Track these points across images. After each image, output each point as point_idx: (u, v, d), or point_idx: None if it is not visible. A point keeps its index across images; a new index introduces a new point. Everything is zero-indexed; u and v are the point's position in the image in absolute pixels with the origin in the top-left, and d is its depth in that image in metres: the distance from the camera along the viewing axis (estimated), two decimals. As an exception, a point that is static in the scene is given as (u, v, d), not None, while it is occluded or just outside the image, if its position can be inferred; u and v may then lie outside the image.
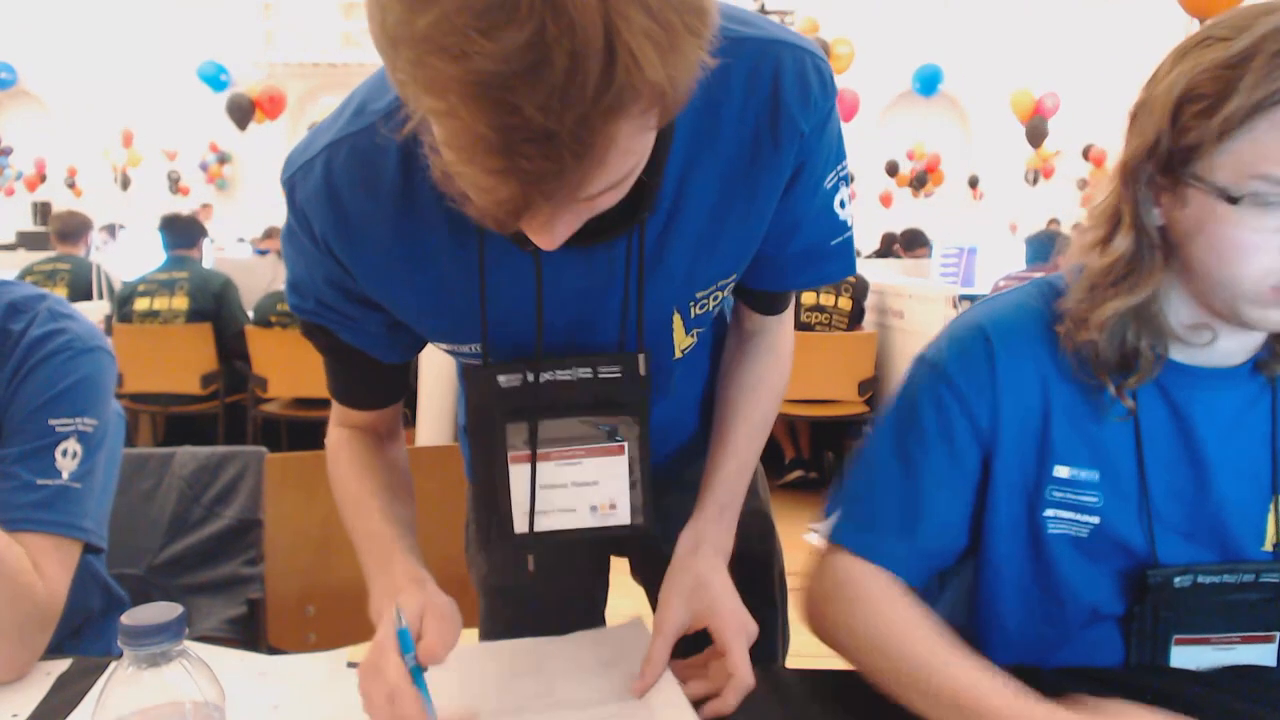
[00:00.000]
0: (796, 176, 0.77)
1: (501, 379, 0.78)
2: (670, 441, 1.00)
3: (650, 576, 1.17)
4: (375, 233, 0.73)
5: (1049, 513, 0.84)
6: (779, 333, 0.96)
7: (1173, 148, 0.74)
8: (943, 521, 0.86)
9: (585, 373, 0.79)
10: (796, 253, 0.83)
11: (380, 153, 0.69)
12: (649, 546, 1.11)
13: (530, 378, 0.78)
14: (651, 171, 0.67)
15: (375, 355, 0.84)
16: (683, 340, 0.86)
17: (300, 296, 0.81)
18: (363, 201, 0.71)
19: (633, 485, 0.82)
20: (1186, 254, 0.77)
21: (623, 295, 0.77)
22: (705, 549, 0.86)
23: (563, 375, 0.78)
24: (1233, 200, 0.71)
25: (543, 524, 0.82)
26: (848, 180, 0.83)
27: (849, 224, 0.85)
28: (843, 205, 0.83)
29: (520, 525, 0.82)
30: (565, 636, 0.93)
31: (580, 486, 0.82)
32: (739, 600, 0.84)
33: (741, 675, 0.78)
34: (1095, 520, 0.83)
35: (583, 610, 1.11)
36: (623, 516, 0.83)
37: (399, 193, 0.71)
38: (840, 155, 0.81)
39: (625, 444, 0.81)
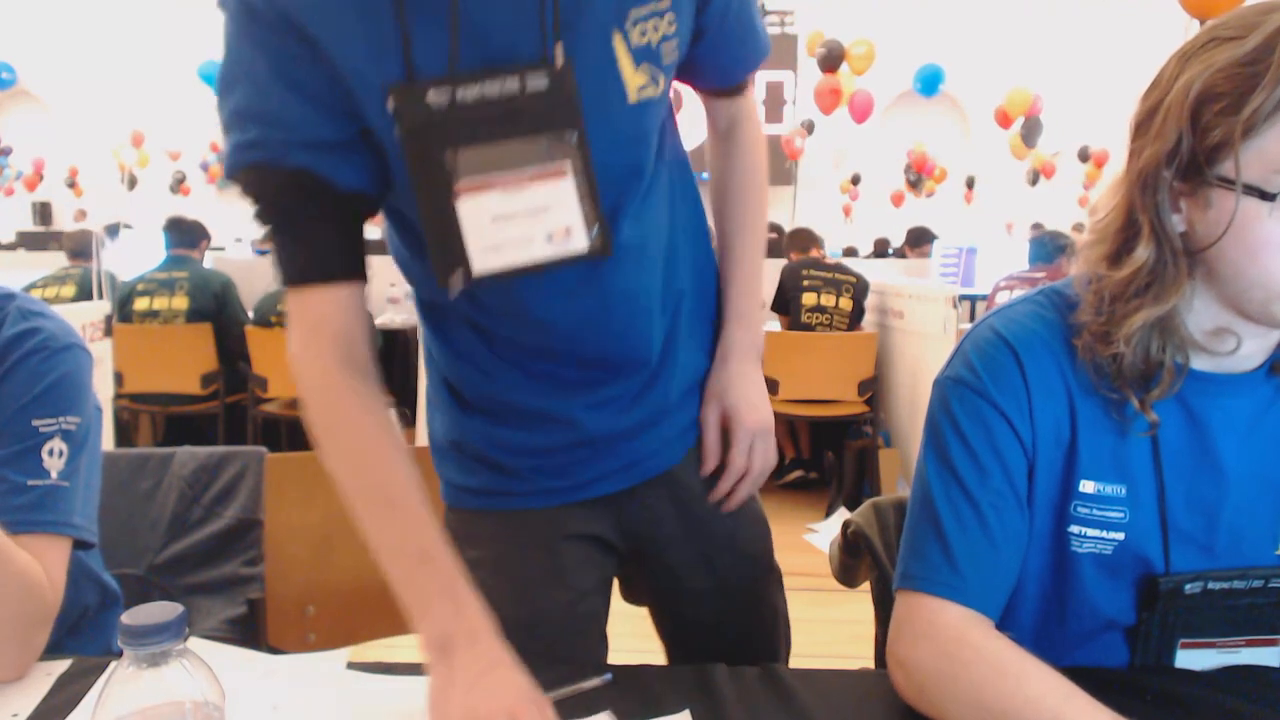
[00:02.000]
0: None
1: (431, 95, 0.75)
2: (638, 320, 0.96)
3: (642, 594, 1.14)
4: None
5: (1074, 529, 0.83)
6: (748, 124, 1.06)
7: (1195, 149, 0.73)
8: (1017, 545, 0.83)
9: (513, 85, 0.76)
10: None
11: None
12: (647, 559, 1.09)
13: (458, 92, 0.76)
14: None
15: (325, 174, 0.79)
16: (634, 76, 0.82)
17: (242, 128, 0.77)
18: None
19: (583, 207, 0.80)
20: (1213, 258, 0.75)
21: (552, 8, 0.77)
22: (733, 355, 1.02)
23: (490, 91, 0.76)
24: (1268, 197, 0.70)
25: (498, 260, 0.80)
26: None
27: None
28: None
29: (480, 263, 0.79)
30: None
31: (532, 214, 0.79)
32: (762, 400, 1.02)
33: (736, 466, 1.01)
34: (1120, 536, 0.82)
35: (587, 632, 1.05)
36: (579, 242, 0.81)
37: None
38: None
39: (567, 162, 0.79)
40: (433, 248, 0.79)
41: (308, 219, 0.80)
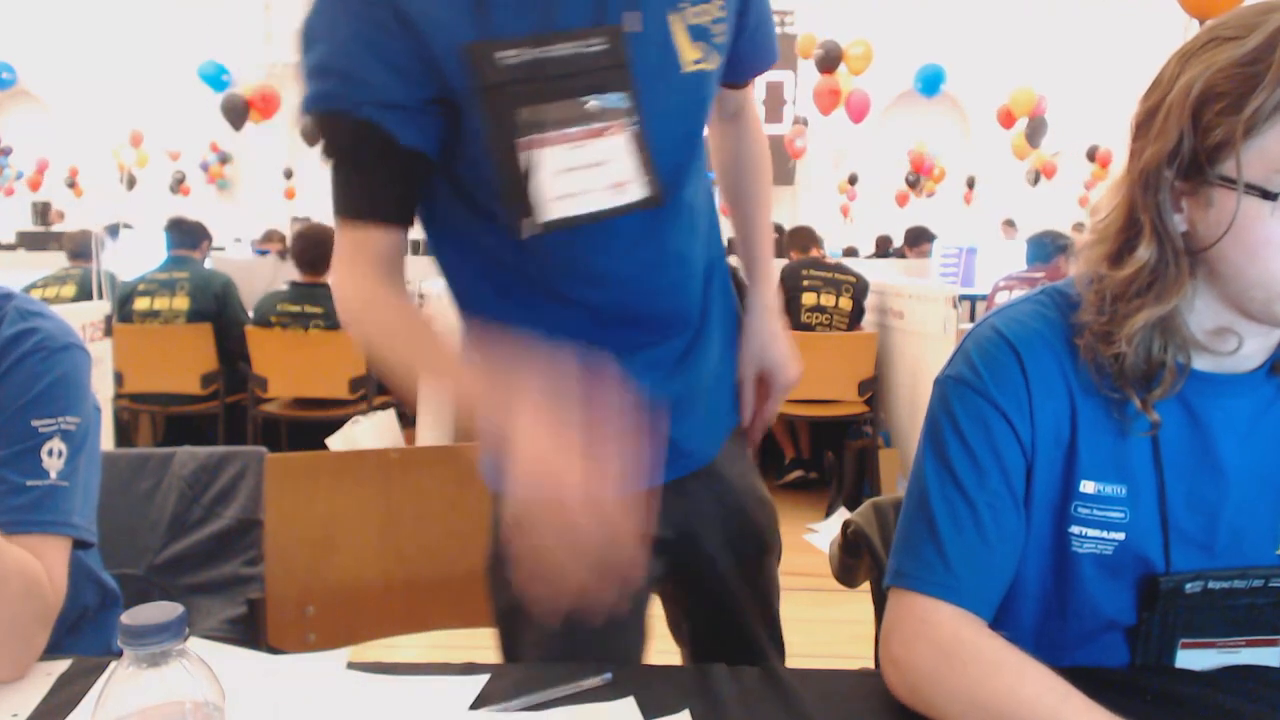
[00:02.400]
0: None
1: (501, 54, 0.83)
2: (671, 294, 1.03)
3: (657, 581, 1.17)
4: None
5: (1075, 529, 0.83)
6: (751, 108, 1.19)
7: (1196, 149, 0.73)
8: (1012, 546, 0.82)
9: (575, 49, 0.85)
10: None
11: None
12: (684, 550, 1.10)
13: (526, 54, 0.83)
14: None
15: (391, 129, 0.84)
16: (689, 50, 0.91)
17: (320, 81, 0.83)
18: None
19: (637, 160, 0.89)
20: (1214, 257, 0.75)
21: None
22: (766, 313, 1.16)
23: (554, 53, 0.84)
24: (1269, 196, 0.70)
25: (565, 209, 0.88)
26: None
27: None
28: None
29: (550, 212, 0.87)
30: (561, 709, 0.80)
31: (593, 167, 0.88)
32: (790, 357, 1.17)
33: (767, 419, 1.16)
34: (1120, 536, 0.82)
35: (634, 627, 1.06)
36: (635, 193, 0.89)
37: None
38: None
39: (623, 121, 0.88)
40: (506, 198, 0.87)
41: (367, 165, 0.88)
